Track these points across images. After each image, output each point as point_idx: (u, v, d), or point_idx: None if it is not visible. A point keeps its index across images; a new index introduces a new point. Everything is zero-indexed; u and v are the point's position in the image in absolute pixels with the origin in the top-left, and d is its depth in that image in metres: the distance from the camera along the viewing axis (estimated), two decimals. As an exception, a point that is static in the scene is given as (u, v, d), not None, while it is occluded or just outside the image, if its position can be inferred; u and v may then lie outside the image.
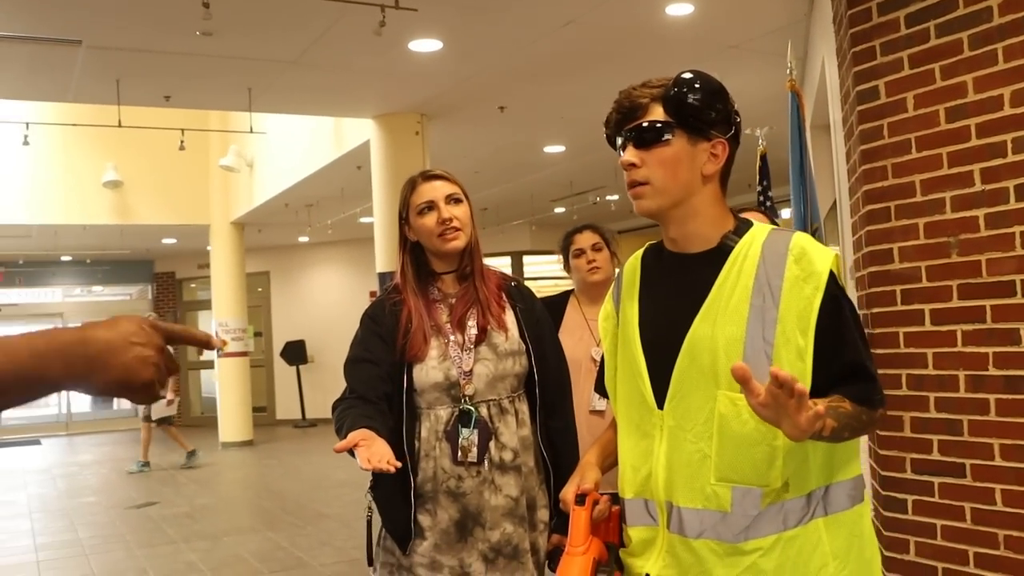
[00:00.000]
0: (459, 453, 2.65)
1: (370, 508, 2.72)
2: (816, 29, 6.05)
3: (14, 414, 19.45)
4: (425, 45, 6.86)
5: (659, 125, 1.93)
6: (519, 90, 8.18)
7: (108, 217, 14.28)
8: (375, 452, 2.31)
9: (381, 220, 9.09)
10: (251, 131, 8.29)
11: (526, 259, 17.74)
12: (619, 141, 2.00)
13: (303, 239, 17.36)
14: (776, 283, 1.87)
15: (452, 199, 2.77)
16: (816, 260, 1.88)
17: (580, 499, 2.10)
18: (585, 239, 3.98)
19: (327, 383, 16.94)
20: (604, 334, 2.21)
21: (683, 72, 1.95)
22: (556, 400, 2.84)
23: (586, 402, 3.82)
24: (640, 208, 1.98)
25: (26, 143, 9.25)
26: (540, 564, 2.79)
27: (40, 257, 17.96)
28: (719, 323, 1.90)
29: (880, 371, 3.73)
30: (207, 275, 16.20)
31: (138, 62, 7.20)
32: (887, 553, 3.76)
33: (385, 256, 9.03)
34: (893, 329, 3.78)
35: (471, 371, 2.69)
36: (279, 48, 6.92)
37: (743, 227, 2.00)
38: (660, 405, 1.97)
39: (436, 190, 2.78)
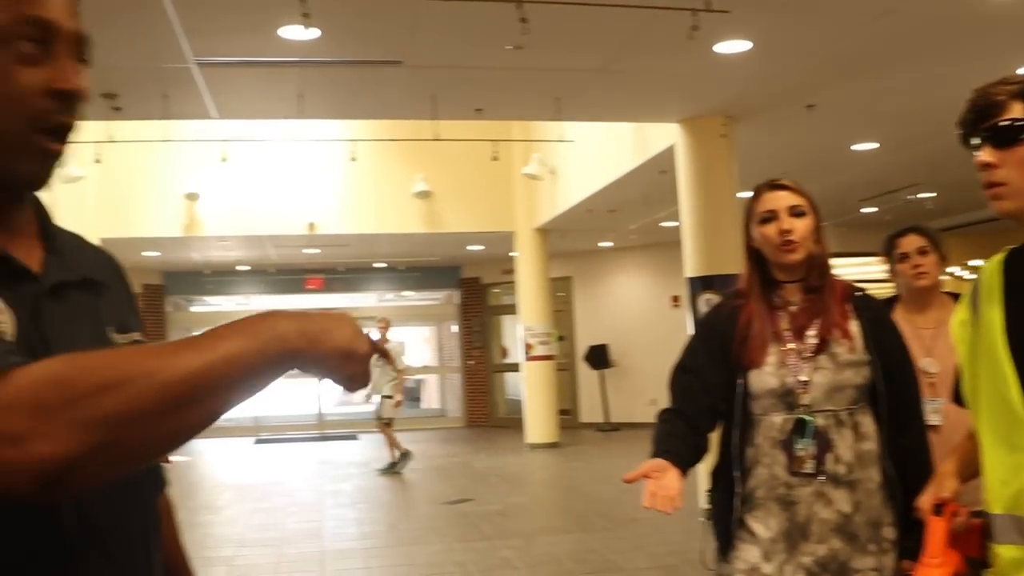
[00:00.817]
0: (794, 463, 2.61)
1: (707, 510, 2.78)
2: None
3: (334, 409, 20.93)
4: (733, 46, 6.79)
5: (1018, 124, 1.84)
6: (828, 87, 7.93)
7: (418, 226, 15.11)
8: (661, 486, 2.40)
9: (689, 224, 9.06)
10: (560, 140, 8.48)
11: (834, 261, 17.11)
12: (974, 141, 1.92)
13: (605, 244, 17.60)
14: None
15: (795, 212, 2.73)
16: None
17: (937, 509, 2.04)
18: (910, 242, 3.77)
19: (630, 387, 17.08)
20: (959, 341, 2.11)
21: None
22: (905, 416, 2.74)
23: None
24: (999, 209, 1.89)
25: (353, 159, 9.88)
26: None
27: (357, 264, 19.28)
28: None
29: None
30: (511, 280, 16.71)
31: (453, 78, 7.57)
32: None
33: (693, 260, 9.00)
34: None
35: (808, 380, 2.65)
36: (586, 57, 7.06)
37: None
38: None
39: (779, 200, 2.75)
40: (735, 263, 9.19)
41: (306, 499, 11.00)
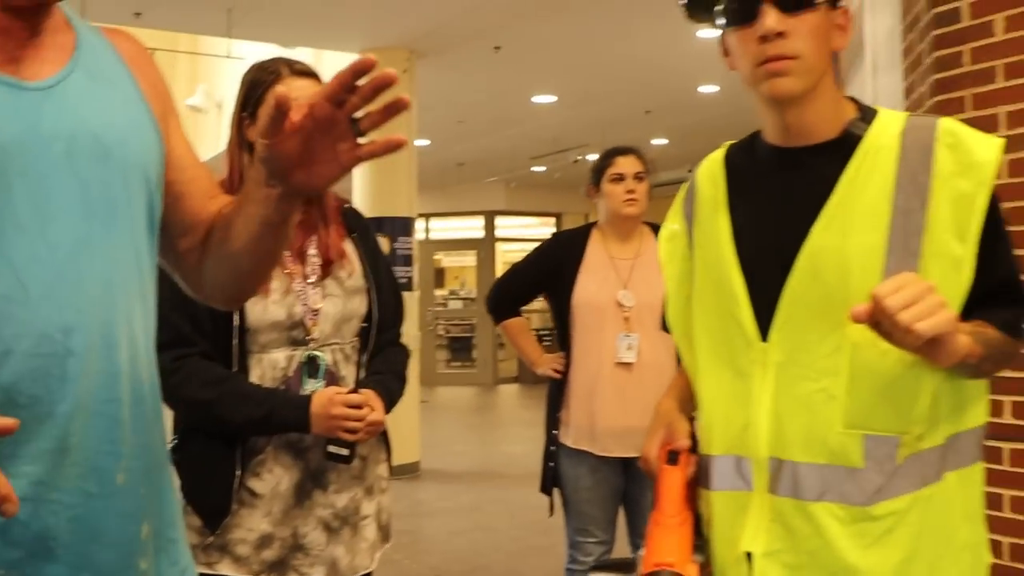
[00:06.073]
0: None
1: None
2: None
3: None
4: (424, -31, 6.39)
5: None
6: (518, 28, 7.74)
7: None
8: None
9: (362, 163, 8.62)
10: (229, 56, 7.78)
11: (499, 220, 17.32)
12: (733, 5, 1.58)
13: (271, 189, 16.86)
14: (923, 179, 1.51)
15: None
16: (976, 149, 1.52)
17: (672, 457, 1.69)
18: (629, 164, 3.52)
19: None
20: (669, 258, 1.82)
21: None
22: (387, 343, 2.45)
23: (611, 353, 3.43)
24: (782, 89, 1.56)
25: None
26: (384, 528, 2.42)
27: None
28: (850, 230, 1.52)
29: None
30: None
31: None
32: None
33: (366, 202, 8.58)
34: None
35: (318, 310, 2.27)
36: (266, -35, 6.42)
37: (870, 114, 1.62)
38: (764, 337, 1.57)
39: (309, 88, 2.24)
40: (407, 205, 8.96)
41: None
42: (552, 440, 3.58)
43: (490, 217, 17.21)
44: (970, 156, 1.52)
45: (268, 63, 2.35)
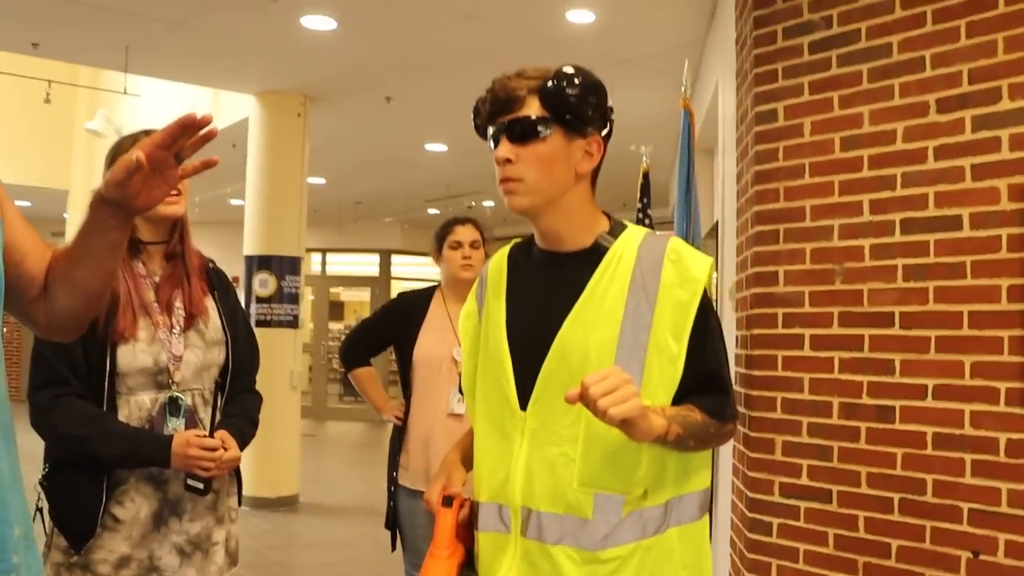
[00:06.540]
0: None
1: (40, 499, 2.50)
2: (712, 51, 6.09)
3: None
4: (319, 22, 6.64)
5: (536, 121, 1.88)
6: (408, 82, 8.03)
7: (-51, 168, 13.42)
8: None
9: (253, 201, 8.79)
10: (125, 92, 7.89)
11: (395, 258, 17.53)
12: (490, 131, 1.94)
13: (167, 216, 16.69)
14: (652, 287, 1.87)
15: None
16: (693, 266, 1.89)
17: (447, 501, 2.03)
18: (466, 233, 3.88)
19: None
20: (464, 333, 2.17)
21: (563, 66, 1.91)
22: (242, 390, 2.78)
23: (444, 404, 3.75)
24: (512, 204, 1.93)
25: None
26: (231, 553, 2.73)
27: None
28: (592, 325, 1.88)
29: (756, 393, 3.77)
30: (62, 245, 15.39)
31: (5, 1, 6.74)
32: (748, 575, 3.76)
33: (255, 239, 8.75)
34: (772, 352, 3.78)
35: (181, 357, 2.57)
36: (164, 6, 6.58)
37: (617, 228, 1.99)
38: (523, 406, 1.93)
39: None
40: (295, 245, 9.08)
41: None
42: (392, 481, 3.85)
43: (386, 255, 17.43)
44: (688, 272, 1.88)
45: (132, 135, 2.60)
